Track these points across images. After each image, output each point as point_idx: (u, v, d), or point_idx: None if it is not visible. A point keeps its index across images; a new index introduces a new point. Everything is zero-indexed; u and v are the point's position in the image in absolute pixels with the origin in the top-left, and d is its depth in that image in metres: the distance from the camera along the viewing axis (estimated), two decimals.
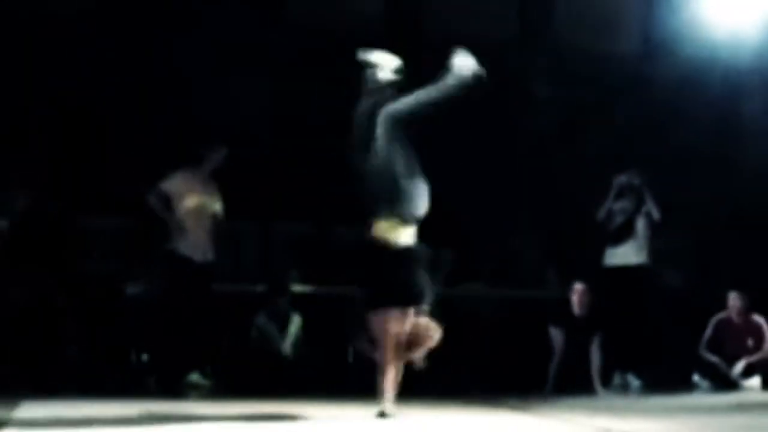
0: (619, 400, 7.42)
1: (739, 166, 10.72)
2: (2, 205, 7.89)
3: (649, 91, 10.36)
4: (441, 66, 5.28)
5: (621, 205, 8.91)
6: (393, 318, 5.14)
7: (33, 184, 8.24)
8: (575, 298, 8.30)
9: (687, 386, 8.56)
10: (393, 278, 5.16)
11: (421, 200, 5.26)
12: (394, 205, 5.21)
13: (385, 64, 5.53)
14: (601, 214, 8.91)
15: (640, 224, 8.84)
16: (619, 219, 8.89)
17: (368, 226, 5.24)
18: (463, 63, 5.33)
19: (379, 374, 5.17)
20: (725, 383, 8.52)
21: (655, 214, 8.79)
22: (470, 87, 5.30)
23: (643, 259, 8.87)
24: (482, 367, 8.41)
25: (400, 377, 5.19)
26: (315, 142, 9.11)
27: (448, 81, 5.30)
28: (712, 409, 6.41)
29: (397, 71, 5.54)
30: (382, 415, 5.10)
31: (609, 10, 10.92)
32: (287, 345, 8.25)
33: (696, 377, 8.74)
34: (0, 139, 8.64)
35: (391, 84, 5.48)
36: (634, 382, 8.47)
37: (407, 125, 5.27)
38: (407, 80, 5.49)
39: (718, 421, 5.56)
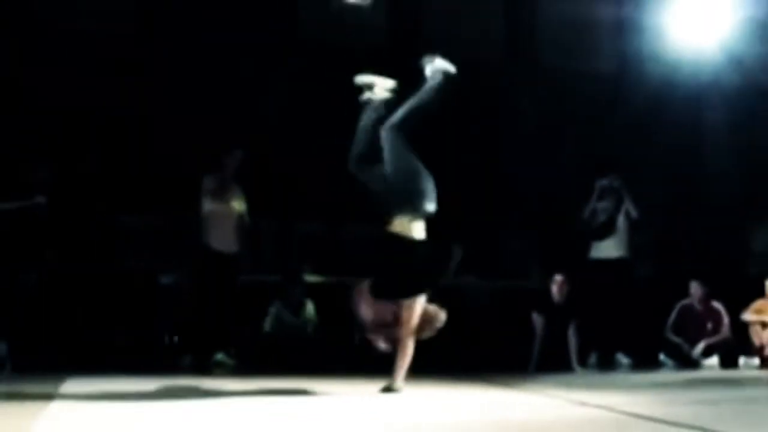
0: (593, 377, 7.44)
1: (700, 170, 10.76)
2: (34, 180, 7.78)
3: (623, 105, 10.39)
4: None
5: (603, 205, 8.91)
6: (405, 305, 5.17)
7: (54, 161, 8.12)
8: (555, 288, 8.34)
9: (654, 364, 8.62)
10: (404, 269, 5.18)
11: (430, 197, 5.28)
12: (409, 204, 5.24)
13: (380, 85, 5.58)
14: (586, 213, 8.93)
15: (621, 222, 8.88)
16: (601, 217, 8.90)
17: (385, 223, 5.25)
18: (437, 67, 5.39)
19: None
20: (687, 362, 8.57)
21: (633, 213, 8.81)
22: (447, 86, 5.35)
23: (623, 252, 8.89)
24: (473, 349, 8.43)
25: (410, 356, 5.23)
26: (325, 147, 9.12)
27: (429, 84, 5.38)
28: (675, 385, 6.44)
29: (391, 90, 5.58)
30: (388, 389, 5.14)
31: (586, 33, 10.95)
32: (300, 324, 8.35)
33: (662, 357, 8.80)
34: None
35: (386, 101, 5.53)
36: (624, 360, 8.50)
37: (405, 130, 5.31)
38: (408, 90, 5.52)
39: (680, 395, 5.59)
